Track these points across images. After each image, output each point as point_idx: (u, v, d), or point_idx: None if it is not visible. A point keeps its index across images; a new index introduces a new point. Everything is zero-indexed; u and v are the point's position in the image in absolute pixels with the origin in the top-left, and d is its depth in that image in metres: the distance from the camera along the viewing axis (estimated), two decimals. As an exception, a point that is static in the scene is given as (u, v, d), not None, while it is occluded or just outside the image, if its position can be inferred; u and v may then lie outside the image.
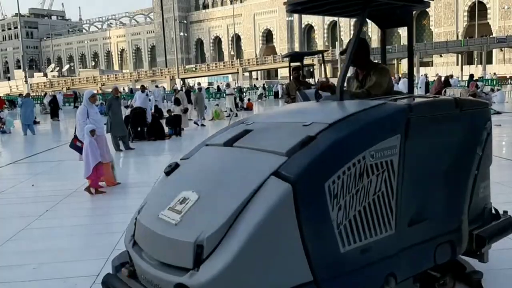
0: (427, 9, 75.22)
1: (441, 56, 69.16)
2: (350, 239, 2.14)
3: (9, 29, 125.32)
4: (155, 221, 2.17)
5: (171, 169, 2.58)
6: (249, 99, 29.41)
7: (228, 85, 27.63)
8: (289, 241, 1.96)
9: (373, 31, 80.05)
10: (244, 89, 41.91)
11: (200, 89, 21.32)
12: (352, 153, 2.16)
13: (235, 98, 26.25)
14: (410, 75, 3.27)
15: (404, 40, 74.86)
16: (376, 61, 3.42)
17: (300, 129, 2.29)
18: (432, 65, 69.08)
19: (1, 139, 16.93)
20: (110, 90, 53.53)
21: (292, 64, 8.99)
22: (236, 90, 29.37)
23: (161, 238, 2.09)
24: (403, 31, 77.49)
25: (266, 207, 1.92)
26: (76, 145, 7.43)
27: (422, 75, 33.80)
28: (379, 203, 2.25)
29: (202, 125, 17.59)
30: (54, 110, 25.87)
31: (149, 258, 2.16)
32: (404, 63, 73.15)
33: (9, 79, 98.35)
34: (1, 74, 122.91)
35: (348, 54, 2.65)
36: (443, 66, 65.74)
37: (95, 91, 8.58)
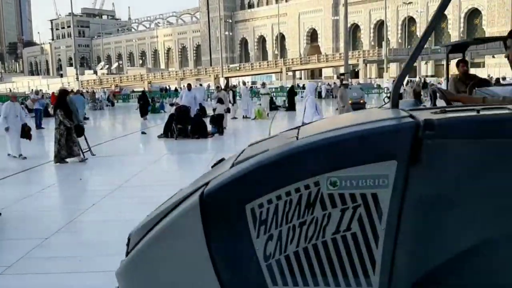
0: (480, 8, 72.55)
1: (493, 57, 66.43)
2: (287, 279, 1.80)
3: (63, 28, 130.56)
4: None
5: (216, 163, 2.58)
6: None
7: (263, 85, 27.37)
8: (197, 258, 1.85)
9: (421, 30, 77.95)
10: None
11: (346, 85, 18.94)
12: (295, 176, 1.78)
13: (271, 98, 26.08)
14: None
15: (454, 39, 72.50)
16: None
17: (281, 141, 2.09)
18: (483, 66, 66.51)
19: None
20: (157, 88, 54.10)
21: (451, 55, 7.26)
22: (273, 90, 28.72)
23: None
24: (453, 30, 75.03)
25: (175, 214, 1.93)
26: None
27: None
28: (345, 246, 1.78)
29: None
30: (143, 108, 22.26)
31: None
32: (454, 64, 70.78)
33: (61, 76, 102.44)
34: (54, 72, 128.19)
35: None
36: (496, 67, 63.10)
37: (316, 84, 8.63)
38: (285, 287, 1.80)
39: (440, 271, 1.69)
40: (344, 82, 21.58)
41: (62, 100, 10.52)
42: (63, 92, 11.17)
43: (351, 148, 1.77)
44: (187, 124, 14.06)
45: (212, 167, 2.59)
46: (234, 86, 27.04)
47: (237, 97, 26.14)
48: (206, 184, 1.90)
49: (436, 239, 1.68)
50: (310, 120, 7.68)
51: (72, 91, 23.06)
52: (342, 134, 1.82)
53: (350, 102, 22.82)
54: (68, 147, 10.07)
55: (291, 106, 25.08)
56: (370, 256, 1.75)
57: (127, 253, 2.09)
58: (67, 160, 9.97)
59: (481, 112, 1.77)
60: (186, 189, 2.11)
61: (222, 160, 2.59)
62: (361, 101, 23.71)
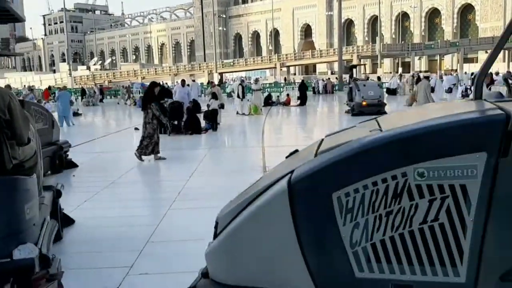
0: (473, 4, 72.70)
1: (486, 52, 66.61)
2: (373, 266, 1.85)
3: (55, 23, 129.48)
4: None
5: (291, 153, 2.65)
6: (287, 94, 29.23)
7: (256, 81, 27.05)
8: (285, 242, 1.94)
9: (415, 26, 78.08)
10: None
11: (427, 78, 16.19)
12: (382, 166, 1.82)
13: (268, 95, 25.94)
14: None
15: (448, 36, 72.72)
16: None
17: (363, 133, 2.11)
18: (477, 62, 66.74)
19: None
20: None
21: None
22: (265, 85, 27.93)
23: None
24: (446, 26, 75.16)
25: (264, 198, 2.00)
26: None
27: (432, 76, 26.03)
28: (433, 236, 1.81)
29: None
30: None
31: None
32: (447, 59, 71.07)
33: (54, 72, 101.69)
34: (47, 67, 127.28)
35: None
36: (489, 62, 63.25)
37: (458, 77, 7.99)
38: (371, 273, 1.85)
39: None
40: (421, 76, 18.78)
41: (154, 93, 9.47)
42: (154, 85, 9.87)
43: (439, 140, 1.80)
44: (180, 120, 14.01)
45: (286, 157, 2.62)
46: (242, 81, 26.64)
47: (232, 93, 25.95)
48: (291, 172, 1.95)
49: None
50: None
51: (59, 87, 22.70)
52: (430, 125, 1.85)
53: (364, 103, 18.26)
54: (156, 144, 9.34)
55: (303, 101, 24.97)
56: (458, 247, 1.78)
57: (215, 236, 2.17)
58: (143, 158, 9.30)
59: None
60: (267, 177, 2.22)
61: (296, 151, 2.63)
62: (380, 102, 18.43)
